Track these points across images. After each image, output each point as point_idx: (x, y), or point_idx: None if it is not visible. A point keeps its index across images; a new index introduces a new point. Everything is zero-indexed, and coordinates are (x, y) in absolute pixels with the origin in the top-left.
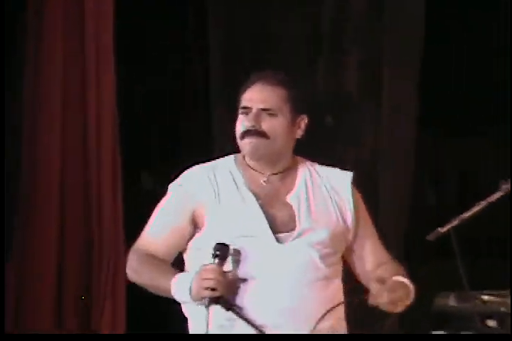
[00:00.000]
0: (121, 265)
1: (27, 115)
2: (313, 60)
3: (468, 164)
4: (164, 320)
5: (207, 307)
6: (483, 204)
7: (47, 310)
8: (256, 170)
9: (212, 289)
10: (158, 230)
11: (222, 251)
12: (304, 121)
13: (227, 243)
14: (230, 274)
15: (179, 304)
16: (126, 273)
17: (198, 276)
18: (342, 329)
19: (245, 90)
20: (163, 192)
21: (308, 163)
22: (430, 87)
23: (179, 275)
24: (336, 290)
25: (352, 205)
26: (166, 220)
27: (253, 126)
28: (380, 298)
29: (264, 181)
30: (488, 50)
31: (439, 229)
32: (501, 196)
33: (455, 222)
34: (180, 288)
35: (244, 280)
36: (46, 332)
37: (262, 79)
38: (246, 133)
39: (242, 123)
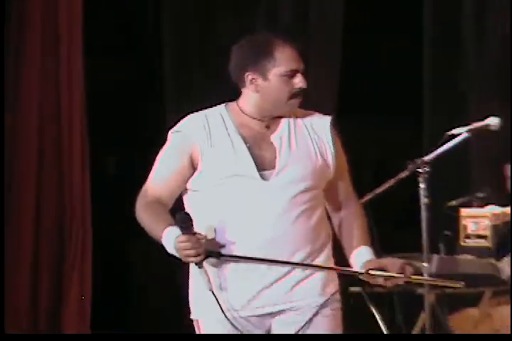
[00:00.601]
0: (87, 240)
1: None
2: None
3: (386, 153)
4: (129, 292)
5: (199, 267)
6: (392, 181)
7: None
8: (254, 118)
9: (189, 255)
10: (162, 174)
11: (184, 220)
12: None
13: (185, 212)
14: (201, 236)
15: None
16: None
17: (177, 247)
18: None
19: (272, 51)
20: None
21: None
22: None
23: (166, 233)
24: (318, 219)
25: (331, 144)
26: (168, 164)
27: (304, 87)
28: (376, 281)
29: (267, 126)
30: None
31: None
32: (407, 175)
33: (370, 196)
34: (168, 246)
35: (216, 231)
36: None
37: (281, 39)
38: (298, 94)
39: (290, 85)
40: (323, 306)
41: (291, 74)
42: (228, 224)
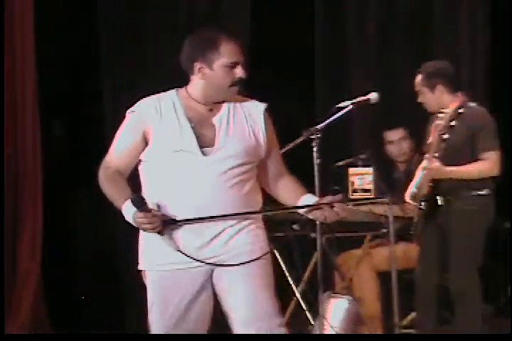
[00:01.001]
0: (38, 201)
1: None
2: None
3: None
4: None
5: (161, 235)
6: (290, 145)
7: None
8: (199, 102)
9: (148, 228)
10: (120, 148)
11: (138, 200)
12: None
13: (138, 194)
14: (156, 212)
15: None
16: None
17: (136, 222)
18: (261, 233)
19: (219, 44)
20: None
21: (234, 97)
22: None
23: (125, 207)
24: (250, 189)
25: (264, 127)
26: (125, 140)
27: (243, 77)
28: (323, 219)
29: (210, 109)
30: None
31: None
32: (302, 140)
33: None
34: (127, 218)
35: (159, 206)
36: None
37: (226, 35)
38: (238, 82)
39: (231, 74)
40: (260, 256)
41: (233, 66)
42: (173, 192)
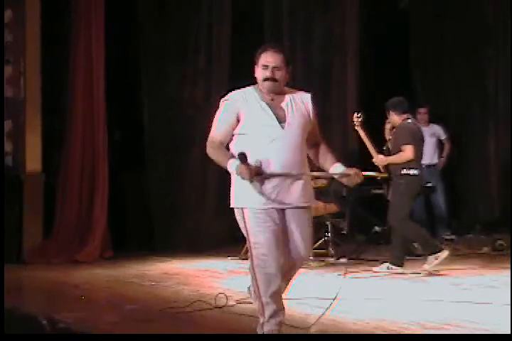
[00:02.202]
0: (105, 176)
1: None
2: None
3: None
4: None
5: (251, 182)
6: None
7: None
8: (265, 93)
9: (246, 177)
10: (221, 127)
11: (242, 157)
12: (289, 70)
13: (243, 151)
14: (252, 166)
15: None
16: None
17: (238, 173)
18: (310, 187)
19: (261, 54)
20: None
21: (291, 90)
22: None
23: (229, 163)
24: (305, 150)
25: (311, 108)
26: (224, 120)
27: (271, 76)
28: (350, 183)
29: (272, 99)
30: None
31: None
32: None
33: None
34: (231, 170)
35: (261, 162)
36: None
37: (270, 48)
38: (266, 79)
39: (263, 73)
40: (308, 204)
41: (264, 68)
42: (262, 154)
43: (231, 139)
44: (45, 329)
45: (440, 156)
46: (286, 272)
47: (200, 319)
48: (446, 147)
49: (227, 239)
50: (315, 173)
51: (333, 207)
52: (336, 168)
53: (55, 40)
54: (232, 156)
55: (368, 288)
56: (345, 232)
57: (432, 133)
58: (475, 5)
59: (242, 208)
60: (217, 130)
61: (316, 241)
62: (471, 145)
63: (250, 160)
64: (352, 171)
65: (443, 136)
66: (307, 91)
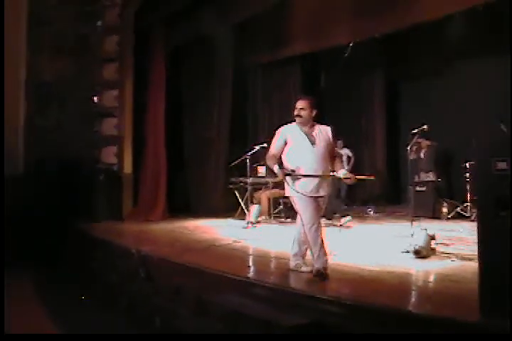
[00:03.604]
0: (164, 171)
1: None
2: None
3: None
4: None
5: (284, 178)
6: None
7: None
8: (302, 127)
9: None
10: (276, 147)
11: (280, 166)
12: (315, 111)
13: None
14: (286, 170)
15: None
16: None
17: (279, 174)
18: (328, 187)
19: (296, 102)
20: None
21: (318, 124)
22: None
23: (275, 168)
24: (328, 161)
25: (331, 137)
26: (278, 142)
27: (298, 114)
28: (349, 181)
29: (306, 129)
30: None
31: None
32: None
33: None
34: (277, 171)
35: (298, 167)
36: None
37: (299, 98)
38: (296, 116)
39: (295, 112)
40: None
41: (295, 109)
42: (300, 164)
43: (282, 153)
44: (133, 255)
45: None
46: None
47: (216, 251)
48: (352, 160)
49: (228, 207)
50: (330, 174)
51: (283, 192)
52: (342, 172)
53: (141, 107)
54: (279, 164)
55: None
56: (290, 205)
57: (345, 153)
58: None
59: (292, 196)
60: (274, 148)
61: (275, 210)
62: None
63: (291, 166)
64: (350, 175)
65: (350, 154)
66: (328, 125)
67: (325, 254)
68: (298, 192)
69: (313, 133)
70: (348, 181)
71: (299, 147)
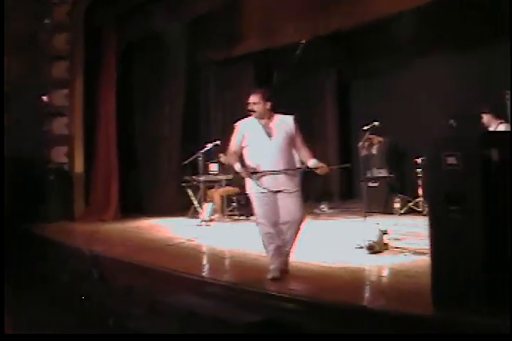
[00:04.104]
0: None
1: None
2: None
3: None
4: None
5: (251, 178)
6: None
7: None
8: (259, 120)
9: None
10: (235, 143)
11: (242, 164)
12: (269, 103)
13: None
14: (249, 168)
15: None
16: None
17: (240, 172)
18: (296, 179)
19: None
20: None
21: (280, 115)
22: None
23: (236, 165)
24: (290, 154)
25: (293, 127)
26: (237, 138)
27: (251, 109)
28: (320, 172)
29: (264, 123)
30: None
31: None
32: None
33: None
34: (238, 170)
35: (254, 167)
36: None
37: (251, 93)
38: (250, 111)
39: (249, 107)
40: (294, 190)
41: (248, 104)
42: (259, 159)
43: (242, 149)
44: (86, 255)
45: None
46: (286, 230)
47: (169, 250)
48: None
49: (181, 206)
50: (297, 167)
51: (236, 189)
52: (312, 162)
53: (92, 105)
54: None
55: None
56: (243, 203)
57: None
58: None
59: (250, 193)
60: (233, 145)
61: (229, 208)
62: None
63: (252, 163)
64: (321, 164)
65: None
66: (292, 114)
67: (275, 257)
68: (256, 189)
69: (271, 125)
70: (319, 171)
71: (256, 141)
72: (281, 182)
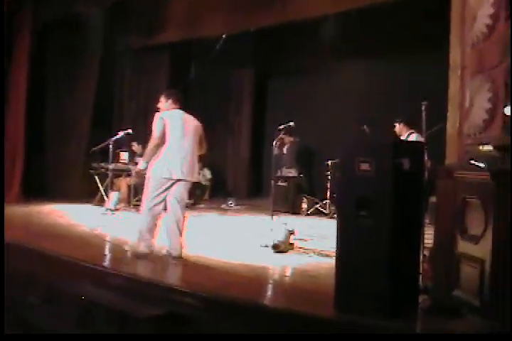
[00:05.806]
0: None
1: None
2: None
3: None
4: None
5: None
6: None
7: None
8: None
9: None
10: (158, 131)
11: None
12: (170, 100)
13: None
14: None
15: None
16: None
17: (140, 166)
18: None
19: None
20: None
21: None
22: None
23: (142, 161)
24: (197, 148)
25: (200, 129)
26: (159, 127)
27: (157, 107)
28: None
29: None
30: None
31: None
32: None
33: None
34: (140, 166)
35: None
36: None
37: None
38: (157, 109)
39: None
40: (185, 180)
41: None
42: (174, 149)
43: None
44: None
45: None
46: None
47: (71, 237)
48: None
49: (87, 193)
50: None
51: (135, 179)
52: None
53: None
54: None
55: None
56: None
57: None
58: None
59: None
60: (155, 133)
61: (135, 198)
62: None
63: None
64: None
65: None
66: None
67: (143, 239)
68: (153, 173)
69: (187, 124)
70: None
71: (176, 136)
72: (184, 171)
